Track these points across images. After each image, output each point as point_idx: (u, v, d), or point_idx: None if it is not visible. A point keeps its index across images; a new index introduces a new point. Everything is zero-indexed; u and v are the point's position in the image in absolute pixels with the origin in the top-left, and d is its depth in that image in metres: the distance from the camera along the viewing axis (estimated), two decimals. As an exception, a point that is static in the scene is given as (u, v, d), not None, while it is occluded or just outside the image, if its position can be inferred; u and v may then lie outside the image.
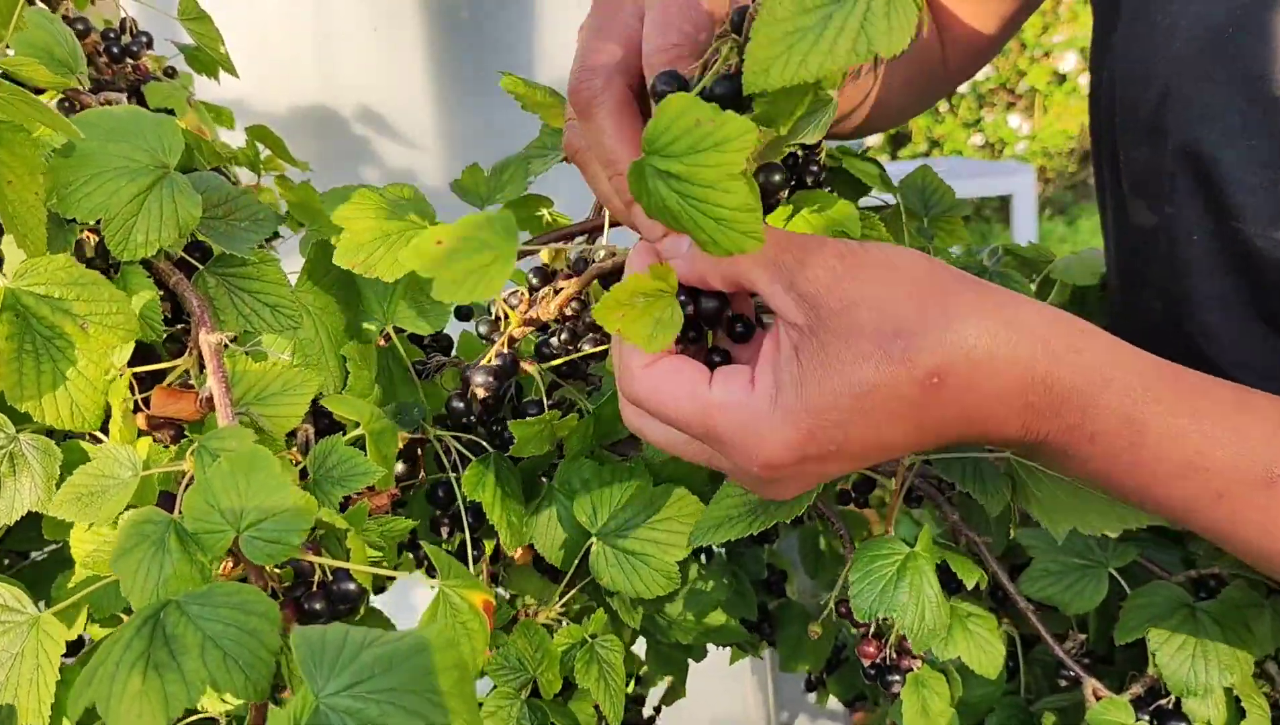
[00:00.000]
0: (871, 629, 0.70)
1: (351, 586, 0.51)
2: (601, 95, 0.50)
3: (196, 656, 0.41)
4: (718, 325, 0.52)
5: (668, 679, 1.06)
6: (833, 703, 1.11)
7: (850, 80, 0.67)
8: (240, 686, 0.41)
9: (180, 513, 0.46)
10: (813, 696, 1.13)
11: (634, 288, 0.47)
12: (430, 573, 0.77)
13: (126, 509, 0.50)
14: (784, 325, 0.48)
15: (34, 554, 0.73)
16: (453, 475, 0.67)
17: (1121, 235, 0.75)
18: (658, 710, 1.05)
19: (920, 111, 0.83)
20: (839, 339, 0.45)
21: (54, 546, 0.71)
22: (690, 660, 0.96)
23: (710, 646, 1.01)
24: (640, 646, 0.94)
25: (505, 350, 0.67)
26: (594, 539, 0.68)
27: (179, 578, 0.45)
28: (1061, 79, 5.14)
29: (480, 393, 0.65)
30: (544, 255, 0.67)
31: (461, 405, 0.66)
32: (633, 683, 1.02)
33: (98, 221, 0.57)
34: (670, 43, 0.48)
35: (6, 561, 0.73)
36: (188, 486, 0.49)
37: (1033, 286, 0.84)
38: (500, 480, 0.66)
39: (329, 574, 0.51)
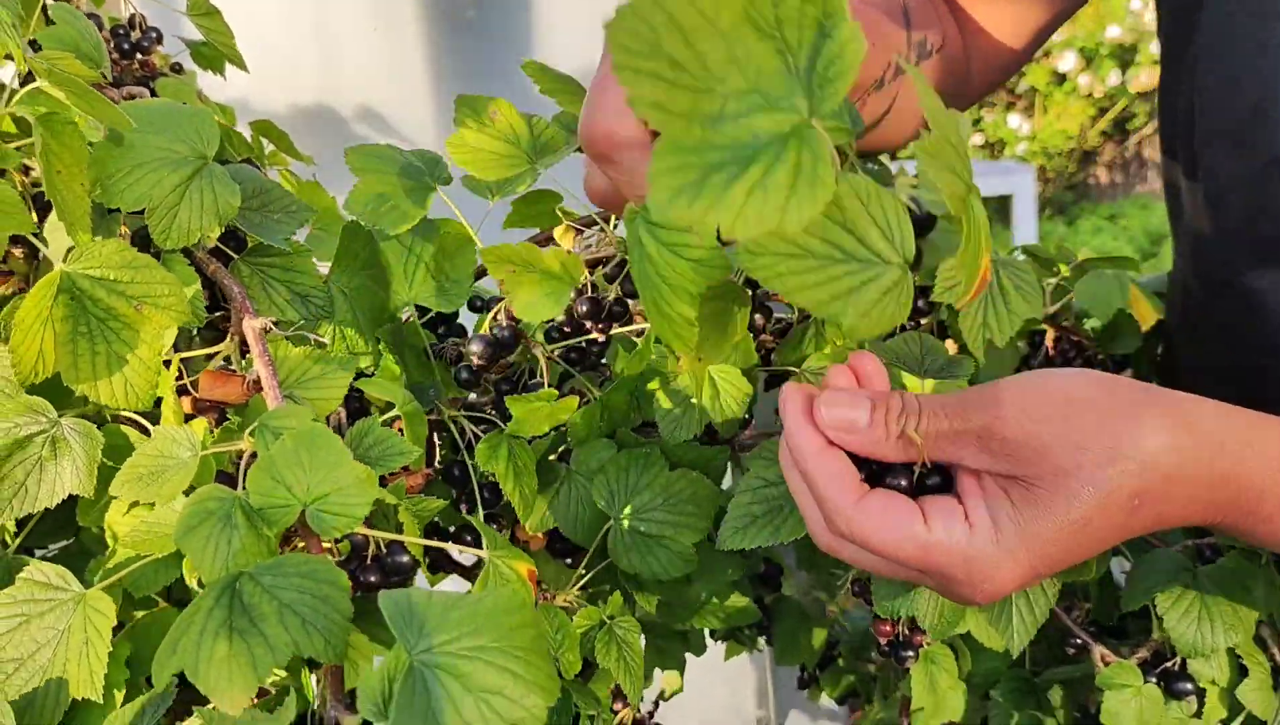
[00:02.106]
0: None
1: (404, 558, 0.53)
2: (621, 136, 0.51)
3: (276, 622, 0.43)
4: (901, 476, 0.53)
5: (667, 676, 1.08)
6: (831, 702, 1.13)
7: (874, 91, 0.68)
8: (321, 649, 0.43)
9: (244, 489, 0.48)
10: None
11: None
12: (433, 569, 0.79)
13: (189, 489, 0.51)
14: (985, 476, 0.50)
15: (39, 552, 0.73)
16: (467, 455, 0.69)
17: (1200, 241, 0.78)
18: (656, 705, 1.07)
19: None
20: (1045, 482, 0.49)
21: (66, 542, 0.72)
22: (689, 655, 0.98)
23: (709, 642, 1.03)
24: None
25: (504, 322, 0.68)
26: (612, 522, 0.70)
27: (246, 551, 0.47)
28: (1061, 79, 5.20)
29: (475, 360, 0.67)
30: (557, 234, 0.70)
31: (469, 376, 0.68)
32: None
33: (132, 212, 0.58)
34: None
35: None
36: (248, 464, 0.50)
37: (1049, 286, 0.85)
38: (513, 455, 0.67)
39: (382, 547, 0.53)
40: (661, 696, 1.07)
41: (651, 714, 1.04)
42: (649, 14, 0.33)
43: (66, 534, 0.71)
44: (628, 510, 0.70)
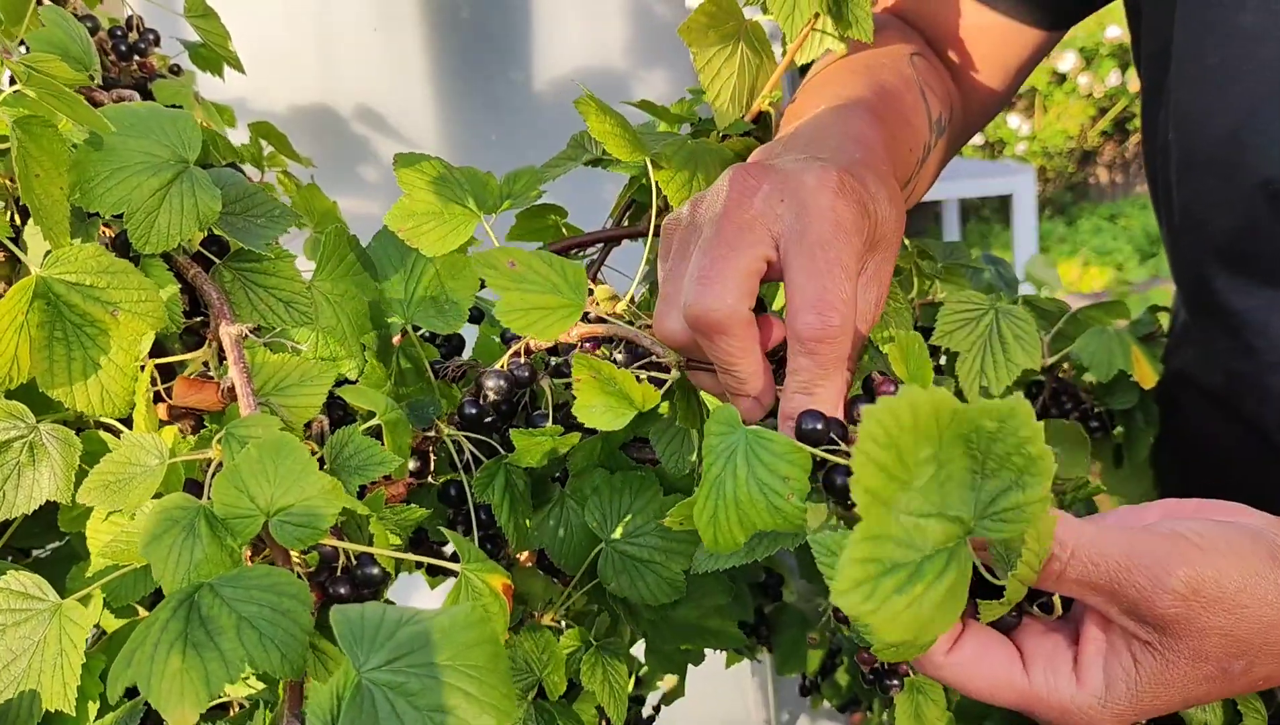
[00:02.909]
0: None
1: (375, 570, 0.52)
2: (727, 323, 0.52)
3: (233, 636, 0.42)
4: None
5: (668, 679, 1.07)
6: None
7: (902, 188, 0.69)
8: (277, 665, 0.42)
9: (209, 498, 0.47)
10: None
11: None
12: (431, 572, 0.78)
13: (155, 496, 0.51)
14: (1119, 628, 0.48)
15: (36, 552, 0.73)
16: (465, 476, 0.68)
17: (1184, 265, 0.78)
18: (657, 710, 1.06)
19: (943, 166, 0.86)
20: (1184, 661, 0.46)
21: (57, 543, 0.72)
22: (690, 663, 0.97)
23: (709, 650, 1.02)
24: (639, 647, 0.95)
25: (522, 359, 0.68)
26: (603, 545, 0.69)
27: (210, 562, 0.46)
28: (1061, 79, 5.19)
29: (490, 396, 0.66)
30: (600, 294, 0.68)
31: (475, 412, 0.67)
32: (632, 682, 1.03)
33: (114, 216, 0.58)
34: (831, 327, 0.51)
35: (10, 558, 0.73)
36: (215, 473, 0.50)
37: (1046, 337, 0.84)
38: (510, 484, 0.67)
39: (352, 559, 0.52)
40: (664, 701, 1.06)
41: (652, 718, 1.03)
42: (899, 412, 0.38)
43: (59, 535, 0.71)
44: (619, 533, 0.69)
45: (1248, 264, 0.70)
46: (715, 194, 0.56)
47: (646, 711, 1.04)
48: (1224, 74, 0.67)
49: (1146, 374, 0.78)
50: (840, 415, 0.51)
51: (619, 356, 0.66)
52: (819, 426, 0.48)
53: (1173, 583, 0.45)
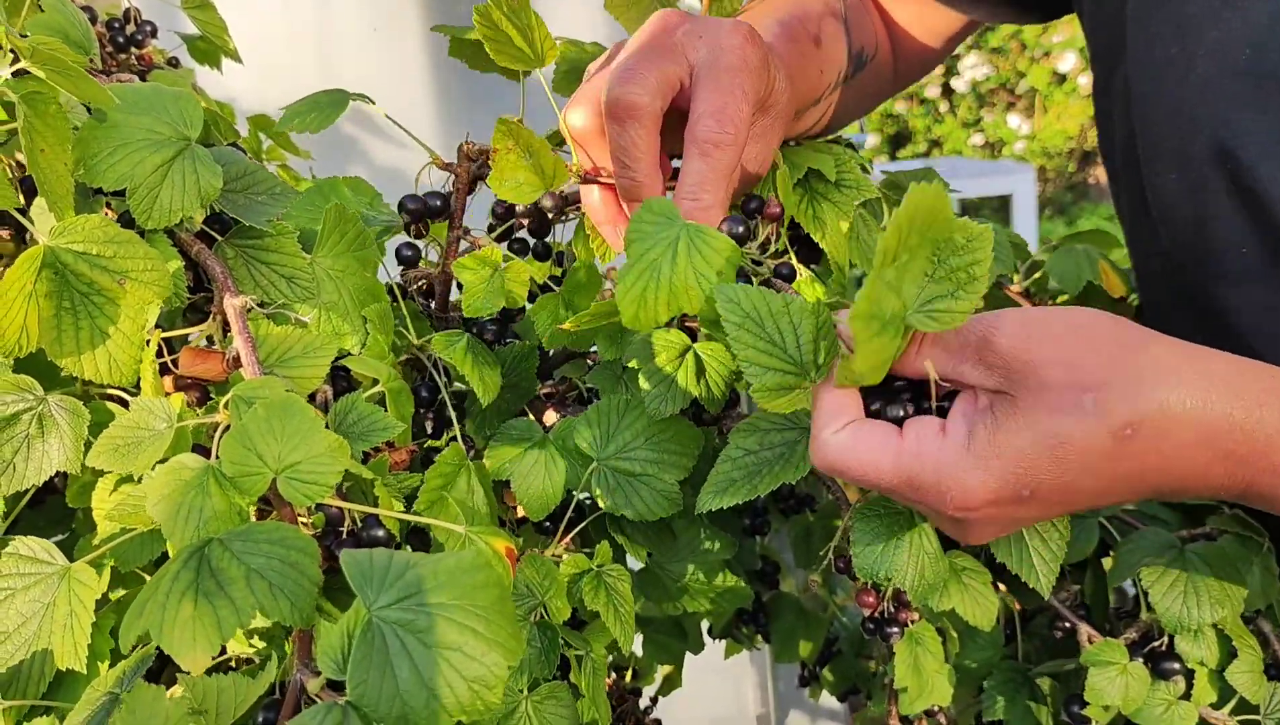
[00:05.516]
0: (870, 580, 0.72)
1: (380, 533, 0.53)
2: (642, 111, 0.57)
3: (243, 586, 0.43)
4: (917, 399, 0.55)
5: (663, 668, 1.07)
6: (832, 701, 1.12)
7: (810, 107, 0.73)
8: (287, 612, 0.43)
9: (217, 458, 0.48)
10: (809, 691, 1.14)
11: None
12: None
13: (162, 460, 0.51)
14: (974, 389, 0.51)
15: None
16: (438, 377, 0.71)
17: (1148, 258, 0.78)
18: (654, 701, 1.06)
19: (865, 115, 0.90)
20: (1031, 394, 0.48)
21: (62, 536, 0.73)
22: (688, 652, 0.97)
23: (708, 641, 1.02)
24: (636, 644, 0.95)
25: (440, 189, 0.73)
26: (595, 463, 0.69)
27: (219, 519, 0.47)
28: (1061, 79, 5.21)
29: (403, 218, 0.71)
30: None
31: (410, 252, 0.74)
32: (630, 674, 1.03)
33: (115, 193, 0.59)
34: (726, 134, 0.57)
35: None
36: (222, 435, 0.50)
37: (1019, 275, 0.86)
38: (472, 348, 0.68)
39: (358, 521, 0.53)
40: (660, 691, 1.06)
41: (649, 709, 1.03)
42: (913, 200, 0.46)
43: (65, 527, 0.72)
44: (610, 449, 0.69)
45: (1206, 257, 0.71)
46: (639, 32, 0.62)
47: (644, 703, 1.04)
48: (1183, 63, 0.67)
49: (1115, 284, 0.80)
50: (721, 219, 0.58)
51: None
52: (740, 229, 0.57)
53: (1005, 319, 0.49)
